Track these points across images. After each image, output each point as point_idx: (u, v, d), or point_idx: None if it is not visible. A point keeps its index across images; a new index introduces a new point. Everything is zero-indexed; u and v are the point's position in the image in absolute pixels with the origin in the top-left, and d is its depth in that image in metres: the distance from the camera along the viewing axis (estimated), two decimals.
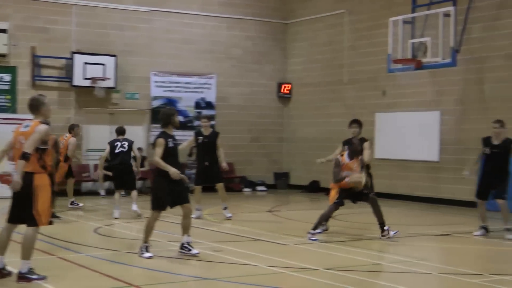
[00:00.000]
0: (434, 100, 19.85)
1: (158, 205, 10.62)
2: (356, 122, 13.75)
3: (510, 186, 13.56)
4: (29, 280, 8.72)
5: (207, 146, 15.44)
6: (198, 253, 10.76)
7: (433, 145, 19.54)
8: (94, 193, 21.45)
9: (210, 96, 24.02)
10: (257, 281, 9.26)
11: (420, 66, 17.97)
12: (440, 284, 9.60)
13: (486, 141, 13.46)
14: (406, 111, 20.54)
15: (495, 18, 18.33)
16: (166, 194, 10.53)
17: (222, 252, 11.30)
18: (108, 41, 22.33)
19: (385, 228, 12.76)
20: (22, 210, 8.74)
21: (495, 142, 13.30)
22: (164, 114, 10.79)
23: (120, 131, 16.24)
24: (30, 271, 8.80)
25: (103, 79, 21.56)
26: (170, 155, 10.52)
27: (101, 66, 21.63)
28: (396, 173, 20.81)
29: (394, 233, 12.79)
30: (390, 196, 20.15)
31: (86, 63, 21.44)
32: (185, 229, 10.81)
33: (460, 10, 17.90)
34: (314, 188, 23.52)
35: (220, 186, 15.54)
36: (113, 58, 21.90)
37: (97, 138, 22.09)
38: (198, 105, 23.80)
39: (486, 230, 13.46)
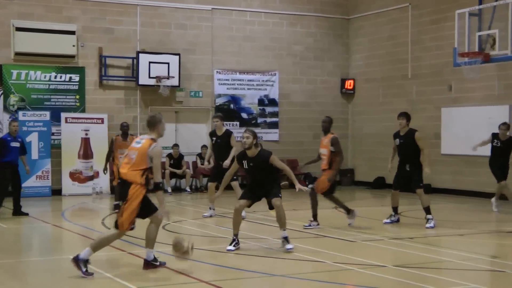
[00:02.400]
0: (503, 94, 19.40)
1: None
2: (402, 115, 14.29)
3: None
4: (155, 266, 9.40)
5: (220, 146, 15.28)
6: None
7: None
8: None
9: (273, 93, 24.03)
10: (326, 278, 9.23)
11: (488, 59, 17.61)
12: None
13: (494, 135, 14.59)
14: (473, 106, 20.12)
15: None
16: None
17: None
18: (171, 40, 22.55)
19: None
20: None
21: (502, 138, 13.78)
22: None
23: None
24: (155, 258, 9.48)
25: (167, 77, 21.79)
26: None
27: (165, 65, 21.86)
28: (463, 169, 20.41)
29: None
30: (457, 192, 19.81)
31: (151, 62, 21.70)
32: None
33: None
34: (379, 185, 23.28)
35: (235, 184, 15.13)
36: (176, 56, 22.09)
37: (164, 136, 22.24)
38: (261, 102, 23.84)
39: None
